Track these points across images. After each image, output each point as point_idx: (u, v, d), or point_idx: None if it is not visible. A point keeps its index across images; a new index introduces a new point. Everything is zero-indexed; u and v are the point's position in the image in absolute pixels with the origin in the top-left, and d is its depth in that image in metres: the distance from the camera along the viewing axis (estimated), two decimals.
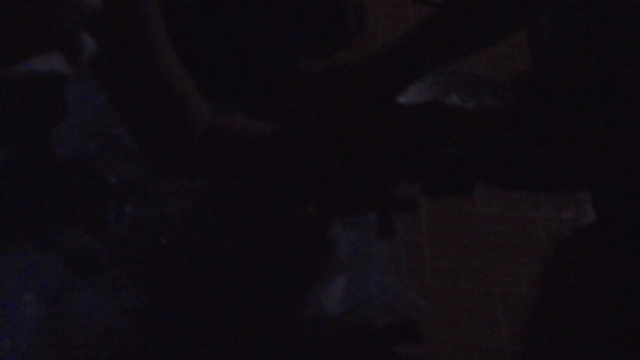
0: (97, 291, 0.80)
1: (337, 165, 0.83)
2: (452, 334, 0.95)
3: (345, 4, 1.82)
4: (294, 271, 0.90)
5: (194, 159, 0.91)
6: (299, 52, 1.42)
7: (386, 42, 0.97)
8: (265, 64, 1.33)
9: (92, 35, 0.77)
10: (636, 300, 0.92)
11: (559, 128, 0.77)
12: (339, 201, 0.85)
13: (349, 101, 0.94)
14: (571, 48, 1.12)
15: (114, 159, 0.94)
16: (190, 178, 0.92)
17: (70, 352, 0.76)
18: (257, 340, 0.86)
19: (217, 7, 1.40)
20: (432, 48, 0.95)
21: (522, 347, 0.96)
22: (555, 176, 0.78)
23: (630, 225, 1.05)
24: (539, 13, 1.08)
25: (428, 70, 1.00)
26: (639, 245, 0.99)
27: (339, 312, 0.90)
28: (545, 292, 1.01)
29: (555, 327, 0.97)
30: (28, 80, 0.73)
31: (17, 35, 0.72)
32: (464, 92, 1.43)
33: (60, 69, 0.74)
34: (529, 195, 1.23)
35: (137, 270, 0.83)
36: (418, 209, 0.84)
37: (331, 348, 0.89)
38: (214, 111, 0.92)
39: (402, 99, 1.38)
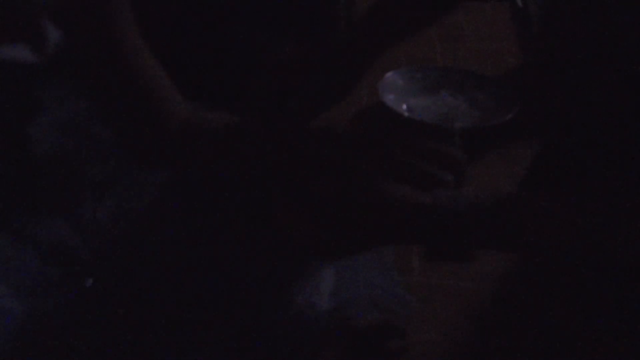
0: (75, 285, 0.79)
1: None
2: (439, 331, 0.94)
3: (337, 4, 1.81)
4: (281, 268, 0.90)
5: (171, 151, 0.90)
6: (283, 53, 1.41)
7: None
8: (245, 64, 1.32)
9: (56, 23, 0.76)
10: (620, 294, 0.92)
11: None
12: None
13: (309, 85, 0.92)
14: (561, 42, 1.12)
15: (94, 154, 0.93)
16: (170, 170, 0.91)
17: (48, 347, 0.76)
18: (244, 337, 0.85)
19: (198, 13, 1.38)
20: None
21: (509, 343, 0.95)
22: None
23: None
24: None
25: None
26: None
27: (326, 308, 0.90)
28: (533, 290, 1.00)
29: (543, 324, 0.97)
30: None
31: None
32: (455, 87, 1.43)
33: (25, 58, 0.73)
34: None
35: (115, 265, 0.83)
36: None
37: (319, 344, 0.88)
38: (195, 108, 0.91)
39: (403, 106, 1.38)
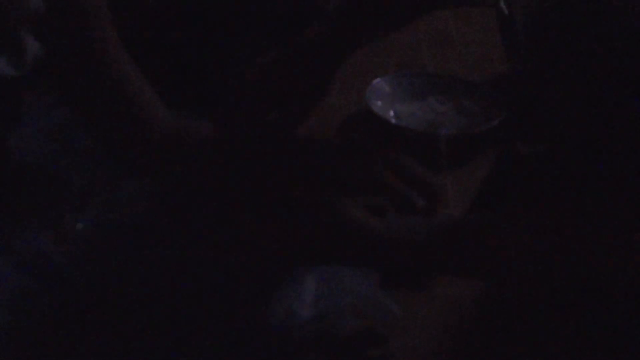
0: (54, 297, 0.80)
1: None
2: (422, 338, 0.94)
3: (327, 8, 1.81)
4: (263, 276, 0.90)
5: (155, 160, 0.90)
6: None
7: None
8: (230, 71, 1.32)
9: (35, 36, 0.76)
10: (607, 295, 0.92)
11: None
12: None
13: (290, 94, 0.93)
14: (545, 49, 1.12)
15: (74, 164, 0.93)
16: (154, 179, 0.91)
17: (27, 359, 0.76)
18: (226, 345, 0.85)
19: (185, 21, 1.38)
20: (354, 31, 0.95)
21: (493, 350, 0.95)
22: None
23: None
24: None
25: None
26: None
27: (308, 317, 0.90)
28: (518, 296, 1.01)
29: (528, 330, 0.97)
30: None
31: None
32: (442, 94, 1.43)
33: (2, 70, 0.74)
34: None
35: (96, 276, 0.83)
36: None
37: (300, 353, 0.88)
38: (178, 118, 0.92)
39: (391, 112, 1.38)
